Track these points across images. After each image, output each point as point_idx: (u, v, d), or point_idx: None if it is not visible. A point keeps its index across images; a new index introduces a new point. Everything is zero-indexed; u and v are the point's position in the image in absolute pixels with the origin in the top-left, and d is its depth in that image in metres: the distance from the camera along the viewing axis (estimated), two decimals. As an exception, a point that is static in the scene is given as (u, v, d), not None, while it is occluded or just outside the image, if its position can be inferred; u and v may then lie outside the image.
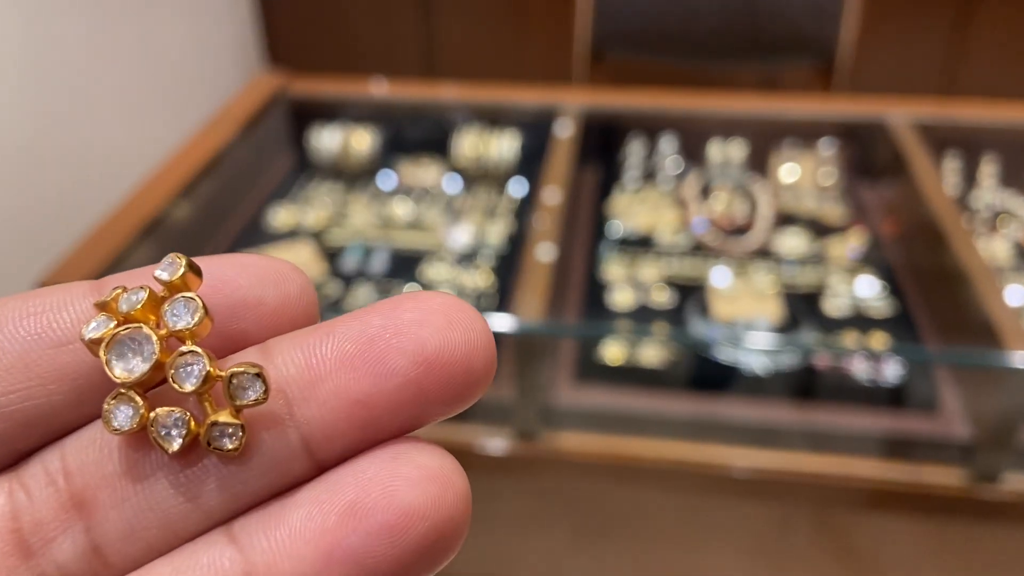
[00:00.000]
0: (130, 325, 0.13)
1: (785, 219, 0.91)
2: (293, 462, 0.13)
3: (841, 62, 1.26)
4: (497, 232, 0.90)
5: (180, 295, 0.14)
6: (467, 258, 0.87)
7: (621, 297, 0.81)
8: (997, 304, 0.71)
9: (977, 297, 0.72)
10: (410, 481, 0.13)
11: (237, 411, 0.13)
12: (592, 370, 0.76)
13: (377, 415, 0.13)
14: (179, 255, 0.14)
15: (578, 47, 1.32)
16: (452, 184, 0.98)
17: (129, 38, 1.34)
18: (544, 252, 0.78)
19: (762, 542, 0.74)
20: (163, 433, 0.13)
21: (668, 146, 1.01)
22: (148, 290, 0.14)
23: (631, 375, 0.75)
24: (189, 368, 0.13)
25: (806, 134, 1.00)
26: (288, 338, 0.14)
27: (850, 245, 0.87)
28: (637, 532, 0.75)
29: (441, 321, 0.14)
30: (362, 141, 1.01)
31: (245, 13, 1.69)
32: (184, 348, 0.13)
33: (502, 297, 0.81)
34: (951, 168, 0.97)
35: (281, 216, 0.92)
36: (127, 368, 0.13)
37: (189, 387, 0.13)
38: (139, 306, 0.13)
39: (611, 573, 0.77)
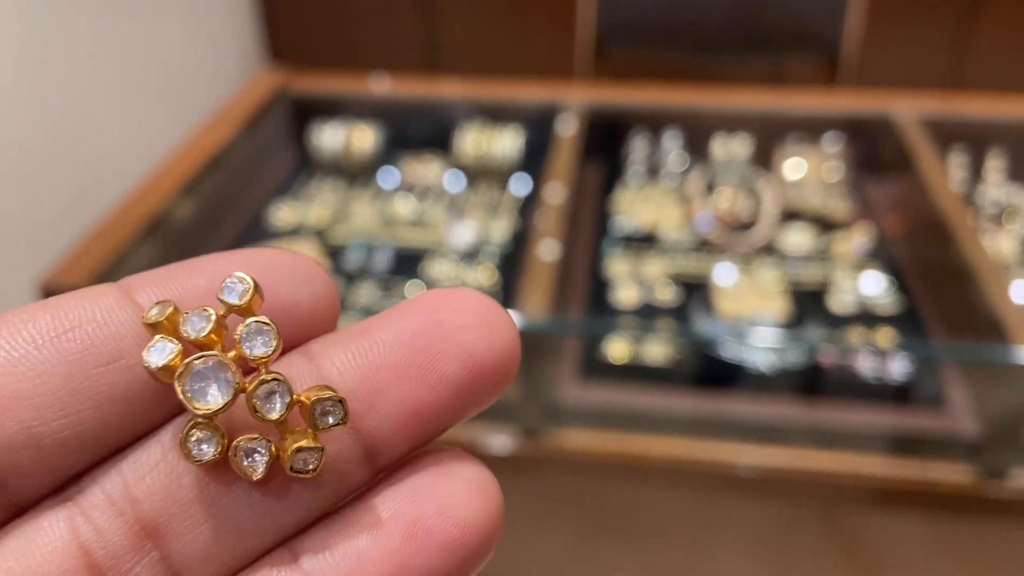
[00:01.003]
0: (205, 354, 0.13)
1: (790, 215, 0.90)
2: (357, 474, 0.14)
3: (846, 57, 1.25)
4: (500, 229, 0.90)
5: (253, 320, 0.13)
6: (470, 256, 0.86)
7: (625, 294, 0.81)
8: (1004, 300, 0.71)
9: (984, 293, 0.72)
10: (461, 497, 0.14)
11: (316, 434, 0.14)
12: (597, 368, 0.75)
13: (431, 421, 0.14)
14: (244, 277, 0.13)
15: (581, 42, 1.31)
16: (454, 181, 0.98)
17: (130, 36, 1.34)
18: (547, 250, 0.78)
19: (768, 539, 0.74)
20: (245, 462, 0.13)
21: (672, 142, 1.01)
22: (215, 315, 0.13)
23: (636, 373, 0.74)
24: (273, 397, 0.13)
25: (811, 129, 1.00)
26: (332, 343, 0.14)
27: (856, 241, 0.86)
28: (642, 530, 0.75)
29: (483, 325, 0.14)
30: (364, 138, 1.00)
31: (246, 10, 1.69)
32: (266, 376, 0.13)
33: (506, 295, 0.81)
34: (957, 163, 0.96)
35: (283, 214, 0.91)
36: (205, 400, 0.13)
37: (274, 416, 0.13)
38: (207, 332, 0.13)
39: (616, 571, 0.77)
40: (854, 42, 1.25)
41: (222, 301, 0.13)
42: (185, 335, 0.13)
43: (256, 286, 0.13)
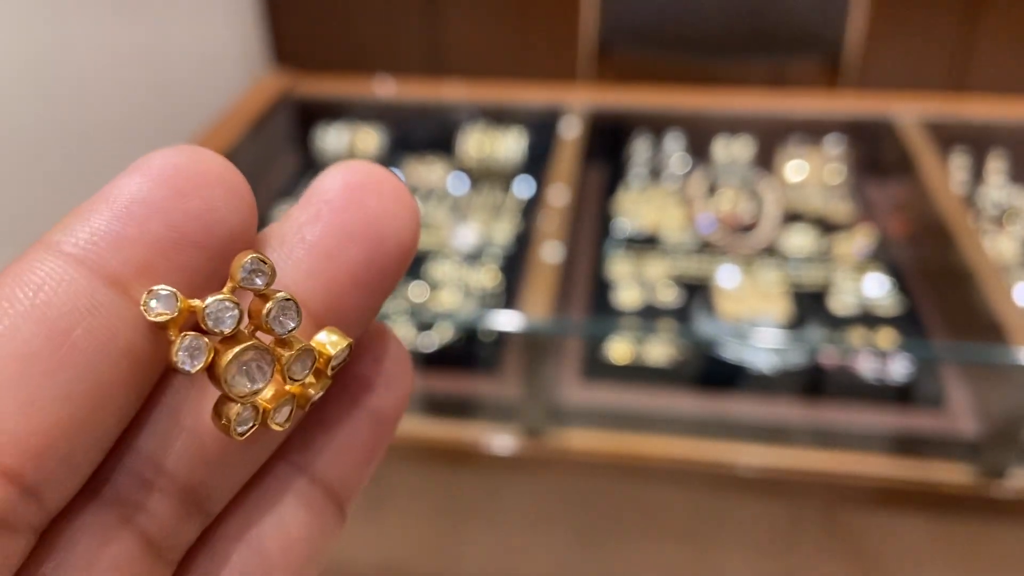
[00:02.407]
0: (245, 346, 0.13)
1: (792, 217, 0.91)
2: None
3: (848, 59, 1.25)
4: (503, 231, 0.90)
5: (277, 300, 0.13)
6: (473, 257, 0.87)
7: (627, 295, 0.81)
8: (1004, 301, 0.71)
9: (984, 294, 0.72)
10: (399, 375, 0.16)
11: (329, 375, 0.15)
12: (599, 368, 0.76)
13: (374, 316, 0.16)
14: (264, 259, 0.13)
15: (584, 45, 1.32)
16: (458, 183, 0.99)
17: (135, 39, 1.35)
18: (550, 251, 0.78)
19: (770, 539, 0.74)
20: (275, 418, 0.14)
21: (674, 144, 1.01)
22: (236, 304, 0.13)
23: (638, 373, 0.75)
24: (303, 363, 0.14)
25: (813, 131, 1.00)
26: (281, 258, 0.14)
27: (857, 243, 0.87)
28: (644, 530, 0.75)
29: (405, 213, 0.15)
30: (368, 141, 1.01)
31: (251, 14, 1.70)
32: (298, 346, 0.14)
33: (508, 296, 0.81)
34: (958, 165, 0.96)
35: (288, 216, 0.92)
36: (246, 385, 0.13)
37: (305, 376, 0.14)
38: (237, 324, 0.13)
39: (618, 571, 0.78)
40: (856, 44, 1.25)
41: (245, 287, 0.13)
42: (215, 330, 0.13)
43: (273, 266, 0.13)
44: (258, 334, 0.14)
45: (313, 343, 0.14)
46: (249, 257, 0.13)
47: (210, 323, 0.13)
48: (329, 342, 0.14)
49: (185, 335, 0.13)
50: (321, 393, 0.15)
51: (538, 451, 0.71)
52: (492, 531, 0.77)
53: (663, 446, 0.70)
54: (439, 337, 0.78)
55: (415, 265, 0.86)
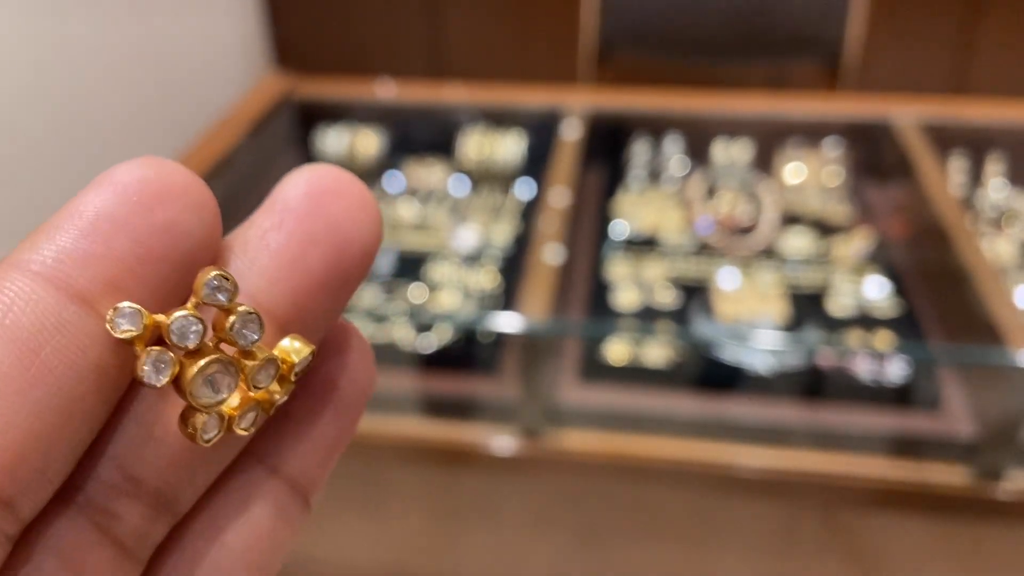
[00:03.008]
0: (210, 359, 0.14)
1: (790, 219, 0.91)
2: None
3: (847, 61, 1.26)
4: (502, 232, 0.91)
5: (240, 314, 0.14)
6: (473, 258, 0.87)
7: (626, 297, 0.81)
8: (1002, 303, 0.71)
9: (982, 297, 0.72)
10: (360, 368, 0.17)
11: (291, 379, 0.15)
12: (597, 369, 0.76)
13: (336, 318, 0.16)
14: (226, 275, 0.14)
15: (583, 47, 1.32)
16: (458, 185, 0.99)
17: (136, 40, 1.35)
18: (549, 253, 0.79)
19: (767, 540, 0.74)
20: (240, 424, 0.15)
21: (673, 146, 1.02)
22: (199, 320, 0.14)
23: (636, 374, 0.75)
24: (267, 372, 0.14)
25: (812, 134, 1.00)
26: (245, 265, 0.15)
27: (855, 245, 0.87)
28: (642, 531, 0.76)
29: (367, 218, 0.15)
30: (369, 142, 1.01)
31: (252, 15, 1.70)
32: (262, 356, 0.14)
33: (508, 297, 0.82)
34: (957, 168, 0.96)
35: (288, 217, 0.92)
36: (210, 395, 0.14)
37: (269, 384, 0.15)
38: (201, 339, 0.14)
39: (616, 571, 0.78)
40: (855, 47, 1.26)
41: (208, 303, 0.14)
42: (180, 345, 0.13)
43: (235, 282, 0.14)
44: (222, 345, 0.14)
45: (276, 351, 0.14)
46: (212, 274, 0.13)
47: (175, 339, 0.13)
48: (292, 349, 0.15)
49: (151, 350, 0.13)
50: (285, 397, 0.15)
51: (537, 452, 0.71)
52: (491, 532, 0.78)
53: (661, 447, 0.71)
54: (438, 338, 0.78)
55: (415, 266, 0.86)
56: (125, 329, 0.13)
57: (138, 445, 0.14)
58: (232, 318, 0.14)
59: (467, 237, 0.90)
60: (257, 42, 1.72)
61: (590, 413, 0.73)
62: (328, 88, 1.11)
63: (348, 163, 1.01)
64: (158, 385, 0.13)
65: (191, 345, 0.13)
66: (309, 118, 1.08)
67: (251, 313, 0.14)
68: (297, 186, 0.15)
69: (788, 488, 0.70)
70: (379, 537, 0.79)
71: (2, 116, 1.11)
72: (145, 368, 0.13)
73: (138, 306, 0.13)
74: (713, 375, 0.75)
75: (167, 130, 1.39)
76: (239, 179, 0.98)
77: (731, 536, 0.74)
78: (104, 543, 0.14)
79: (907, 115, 0.99)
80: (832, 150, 0.99)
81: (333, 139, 1.01)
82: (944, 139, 0.97)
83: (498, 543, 0.78)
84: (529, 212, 0.93)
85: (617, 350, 0.76)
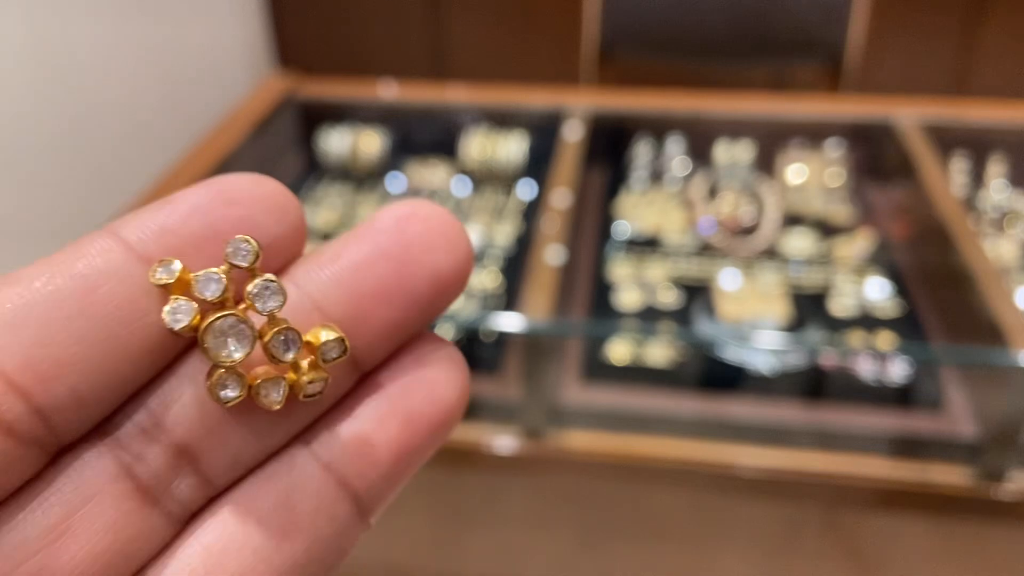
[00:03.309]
0: (223, 313, 0.15)
1: (792, 220, 0.91)
2: (348, 380, 0.16)
3: (849, 62, 1.26)
4: (505, 233, 0.91)
5: (261, 280, 0.15)
6: (475, 258, 0.87)
7: (628, 297, 0.81)
8: (1004, 304, 0.71)
9: (984, 297, 0.72)
10: (441, 382, 0.16)
11: (323, 366, 0.16)
12: (599, 369, 0.76)
13: (406, 333, 0.16)
14: (249, 240, 0.15)
15: (586, 48, 1.32)
16: (460, 186, 0.99)
17: (141, 41, 1.35)
18: (551, 253, 0.79)
19: (769, 540, 0.74)
20: (266, 397, 0.15)
21: (675, 147, 1.02)
22: (224, 277, 0.15)
23: (638, 374, 0.75)
24: (286, 343, 0.15)
25: (813, 135, 1.01)
26: (315, 271, 0.16)
27: (857, 246, 0.87)
28: (644, 531, 0.76)
29: (446, 244, 0.16)
30: (371, 143, 1.02)
31: (255, 16, 1.71)
32: (280, 327, 0.15)
33: (510, 297, 0.82)
34: (959, 169, 0.97)
35: (291, 217, 0.93)
36: (227, 351, 0.15)
37: (289, 358, 0.15)
38: (221, 293, 0.15)
39: (618, 571, 0.78)
40: (857, 48, 1.26)
41: (230, 263, 0.15)
42: (201, 296, 0.15)
43: (259, 248, 0.15)
44: (250, 314, 0.15)
45: (308, 335, 0.15)
46: (236, 237, 0.15)
47: (198, 289, 0.15)
48: (319, 333, 0.15)
49: (176, 298, 0.15)
50: (320, 386, 0.15)
51: (539, 452, 0.71)
52: (493, 532, 0.78)
53: (663, 447, 0.71)
54: (441, 338, 0.78)
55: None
56: (160, 277, 0.14)
57: (173, 398, 0.15)
58: (254, 282, 0.15)
59: (469, 237, 0.90)
60: (261, 45, 1.73)
61: (592, 413, 0.74)
62: (331, 89, 1.12)
63: (351, 163, 1.01)
64: (175, 328, 0.15)
65: (210, 297, 0.15)
66: (312, 118, 1.08)
67: (272, 280, 0.15)
68: (388, 211, 0.16)
69: (790, 488, 0.70)
70: (381, 536, 0.79)
71: (14, 117, 1.12)
72: (166, 310, 0.15)
73: (180, 263, 0.15)
74: (715, 375, 0.75)
75: (174, 129, 1.39)
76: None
77: (733, 536, 0.74)
78: (122, 478, 0.15)
79: (909, 116, 0.99)
80: (834, 151, 0.99)
81: (336, 139, 1.01)
82: (946, 140, 0.97)
83: (500, 542, 0.78)
84: (531, 213, 0.94)
85: (619, 350, 0.77)
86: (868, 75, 1.43)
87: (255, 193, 0.15)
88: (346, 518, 0.16)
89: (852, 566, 0.74)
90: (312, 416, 0.16)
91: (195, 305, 0.15)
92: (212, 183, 0.15)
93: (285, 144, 1.11)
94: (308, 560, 0.16)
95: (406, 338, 0.16)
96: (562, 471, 0.73)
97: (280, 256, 0.16)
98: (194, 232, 0.15)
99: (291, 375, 0.15)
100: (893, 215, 0.94)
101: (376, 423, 0.16)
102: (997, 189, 0.95)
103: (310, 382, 0.15)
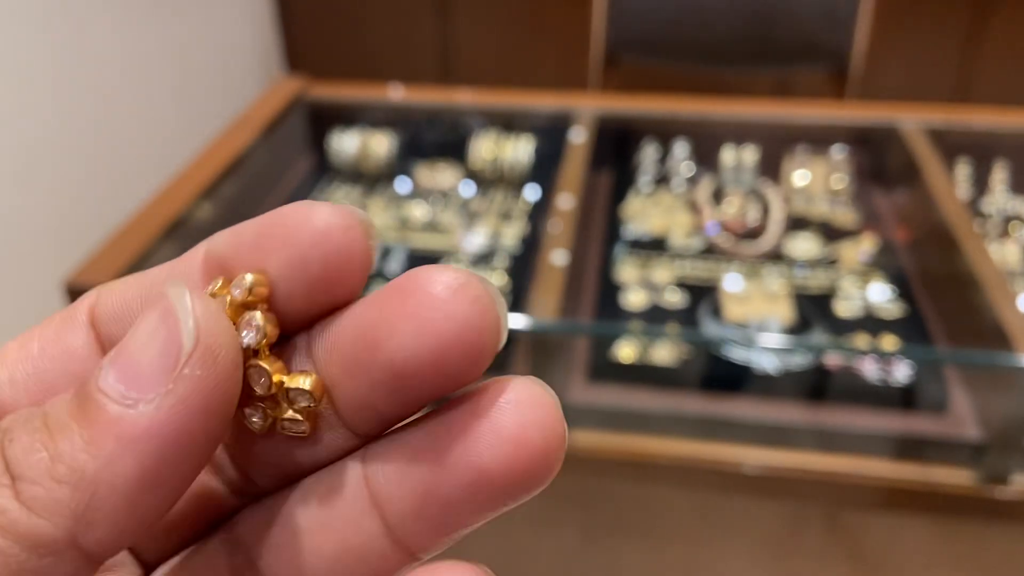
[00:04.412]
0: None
1: (797, 223, 0.92)
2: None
3: (854, 68, 1.27)
4: (512, 234, 0.92)
5: (249, 314, 0.15)
6: (482, 259, 0.88)
7: (634, 298, 0.82)
8: (1008, 307, 0.72)
9: (988, 302, 0.73)
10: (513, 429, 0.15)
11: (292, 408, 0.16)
12: (605, 369, 0.77)
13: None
14: (259, 279, 0.15)
15: (593, 53, 1.33)
16: (468, 188, 1.00)
17: (154, 45, 1.37)
18: (558, 255, 0.80)
19: (773, 540, 0.75)
20: (250, 417, 0.16)
21: (681, 151, 1.03)
22: (263, 327, 0.15)
23: (644, 374, 0.76)
24: (255, 377, 0.15)
25: (818, 139, 1.01)
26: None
27: (861, 249, 0.88)
28: (649, 530, 0.76)
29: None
30: (380, 145, 1.02)
31: (266, 20, 1.72)
32: (250, 360, 0.15)
33: (517, 298, 0.83)
34: (963, 174, 0.97)
35: (301, 218, 0.93)
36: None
37: (259, 389, 0.15)
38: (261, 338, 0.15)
39: (623, 571, 0.78)
40: (862, 54, 1.27)
41: (234, 290, 0.15)
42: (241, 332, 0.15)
43: (258, 281, 0.15)
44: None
45: (288, 377, 0.15)
46: (246, 275, 0.16)
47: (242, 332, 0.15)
48: (299, 379, 0.15)
49: (247, 314, 0.15)
50: (302, 427, 0.16)
51: (545, 450, 0.71)
52: (497, 530, 0.78)
53: (668, 446, 0.71)
54: (448, 337, 0.79)
55: (425, 267, 0.87)
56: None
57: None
58: (245, 314, 0.15)
59: (477, 239, 0.91)
60: (272, 49, 1.74)
61: (598, 412, 0.74)
62: (340, 91, 1.13)
63: (360, 165, 1.02)
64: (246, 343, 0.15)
65: (245, 340, 0.15)
66: (321, 120, 1.09)
67: (258, 313, 0.15)
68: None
69: (794, 488, 0.71)
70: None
71: (33, 119, 1.13)
72: (241, 329, 0.15)
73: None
74: (720, 376, 0.76)
75: (185, 130, 1.40)
76: (253, 177, 0.99)
77: (737, 535, 0.75)
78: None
79: (913, 121, 1.00)
80: (838, 155, 1.00)
81: (345, 141, 1.02)
82: (950, 145, 0.97)
83: (505, 540, 0.79)
84: (538, 214, 0.94)
85: (625, 350, 0.77)
86: (872, 81, 1.44)
87: (334, 224, 0.15)
88: (382, 552, 0.16)
89: (855, 566, 0.74)
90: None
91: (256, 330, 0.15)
92: (302, 203, 0.16)
93: (296, 145, 1.12)
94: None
95: (419, 408, 0.16)
96: (568, 469, 0.73)
97: (343, 279, 0.15)
98: (259, 246, 0.16)
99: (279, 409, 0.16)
100: (897, 219, 0.95)
101: (428, 466, 0.15)
102: (1001, 194, 0.95)
103: (289, 420, 0.16)
